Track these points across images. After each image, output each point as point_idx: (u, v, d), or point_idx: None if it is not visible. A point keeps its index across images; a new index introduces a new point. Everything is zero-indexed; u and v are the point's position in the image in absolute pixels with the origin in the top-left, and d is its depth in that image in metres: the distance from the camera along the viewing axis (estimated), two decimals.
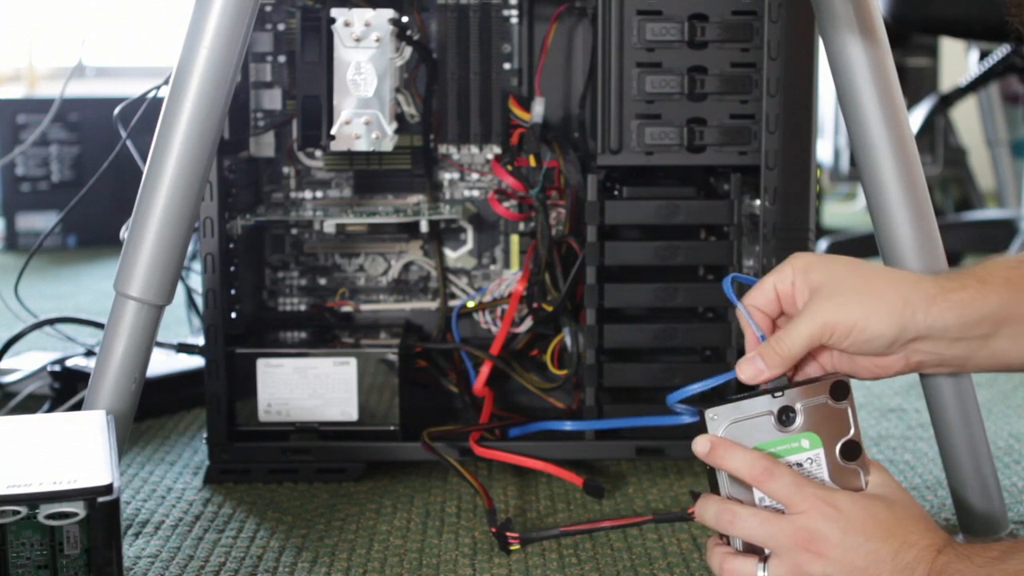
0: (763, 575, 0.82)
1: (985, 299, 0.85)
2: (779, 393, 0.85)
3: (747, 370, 0.87)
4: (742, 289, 0.90)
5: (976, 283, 0.86)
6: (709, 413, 0.84)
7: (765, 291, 0.89)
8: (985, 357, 0.88)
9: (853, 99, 1.01)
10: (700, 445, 0.84)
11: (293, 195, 1.37)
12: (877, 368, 0.89)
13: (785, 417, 0.85)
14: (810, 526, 0.81)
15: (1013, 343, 0.87)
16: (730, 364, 1.24)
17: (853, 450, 0.85)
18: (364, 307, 1.39)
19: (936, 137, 3.06)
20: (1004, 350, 0.87)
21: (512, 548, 1.06)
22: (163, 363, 1.50)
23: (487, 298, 1.36)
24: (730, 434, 0.84)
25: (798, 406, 0.85)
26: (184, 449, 1.35)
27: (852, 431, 0.86)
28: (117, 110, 1.33)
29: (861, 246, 2.43)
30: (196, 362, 1.48)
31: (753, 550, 0.84)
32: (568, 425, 1.26)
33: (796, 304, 0.88)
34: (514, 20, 1.34)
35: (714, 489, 0.86)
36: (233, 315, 1.28)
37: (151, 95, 1.33)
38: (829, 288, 0.86)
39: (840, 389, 0.86)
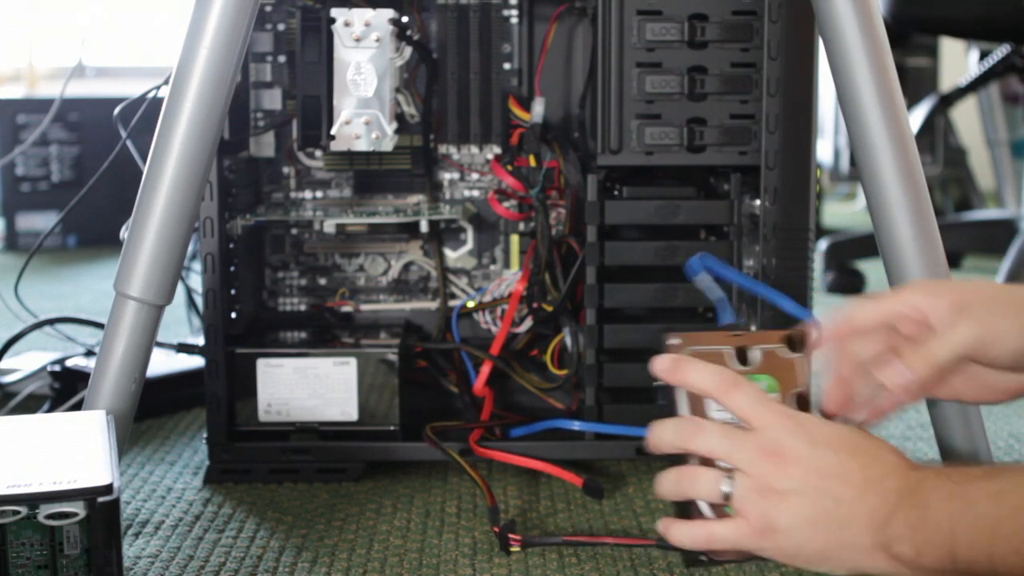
0: (728, 488, 0.79)
1: None
2: (738, 332, 0.85)
3: (892, 377, 0.82)
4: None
5: None
6: (672, 338, 0.84)
7: (880, 309, 0.85)
8: None
9: (853, 99, 1.01)
10: (662, 361, 0.82)
11: (293, 195, 1.37)
12: (1017, 384, 0.85)
13: (743, 357, 0.85)
14: (775, 437, 0.78)
15: None
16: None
17: (803, 404, 0.86)
18: (364, 307, 1.39)
19: (936, 137, 3.06)
20: None
21: (512, 550, 1.06)
22: (163, 363, 1.50)
23: (487, 298, 1.36)
24: None
25: (755, 347, 0.85)
26: (184, 449, 1.35)
27: (805, 385, 0.85)
28: (117, 110, 1.33)
29: (861, 246, 2.43)
30: (196, 362, 1.48)
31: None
32: (576, 425, 1.25)
33: (917, 329, 0.83)
34: (514, 20, 1.34)
35: (668, 412, 0.84)
36: (233, 315, 1.28)
37: (151, 95, 1.33)
38: (980, 302, 0.82)
39: (794, 341, 0.86)
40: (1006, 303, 0.82)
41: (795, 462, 0.77)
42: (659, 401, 0.85)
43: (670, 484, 0.82)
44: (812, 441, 0.78)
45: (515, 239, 1.37)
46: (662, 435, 0.82)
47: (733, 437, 0.80)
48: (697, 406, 0.83)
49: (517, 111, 1.31)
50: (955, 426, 1.04)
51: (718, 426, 0.81)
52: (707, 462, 0.81)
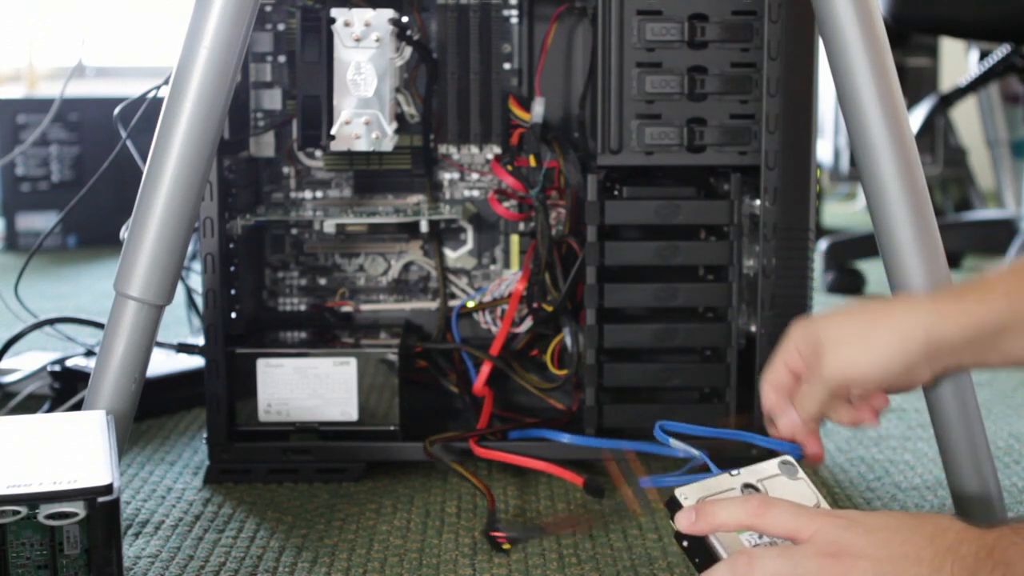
0: None
1: (984, 308, 0.86)
2: (735, 472, 0.85)
3: (785, 424, 0.93)
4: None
5: (974, 291, 0.88)
6: (679, 492, 0.83)
7: (778, 370, 0.94)
8: (997, 358, 0.89)
9: (853, 99, 1.01)
10: (684, 517, 0.80)
11: (293, 195, 1.37)
12: (903, 388, 0.93)
13: (750, 492, 0.85)
14: (831, 538, 0.75)
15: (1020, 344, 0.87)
16: (729, 364, 1.24)
17: None
18: (364, 307, 1.39)
19: (936, 137, 3.06)
20: (1016, 349, 0.87)
21: (504, 547, 1.06)
22: (163, 363, 1.50)
23: (487, 298, 1.36)
24: None
25: (758, 483, 0.85)
26: (184, 449, 1.35)
27: (817, 500, 0.85)
28: (117, 110, 1.33)
29: (861, 246, 2.43)
30: (196, 362, 1.48)
31: None
32: (565, 438, 1.24)
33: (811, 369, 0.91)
34: (514, 20, 1.34)
35: (706, 563, 0.80)
36: (233, 315, 1.28)
37: (151, 95, 1.33)
38: (830, 342, 0.89)
39: (788, 467, 0.87)
40: (862, 337, 0.89)
41: (860, 555, 0.74)
42: (694, 560, 0.81)
43: (725, 574, 0.78)
44: (869, 530, 0.75)
45: (515, 239, 1.37)
46: None
47: (790, 554, 0.76)
48: (733, 547, 0.80)
49: (517, 111, 1.31)
50: (955, 426, 1.03)
51: (769, 550, 0.77)
52: None
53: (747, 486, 0.85)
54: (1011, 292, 0.86)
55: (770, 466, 0.87)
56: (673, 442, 0.93)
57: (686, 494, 0.83)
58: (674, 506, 0.83)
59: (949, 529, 0.75)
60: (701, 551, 0.81)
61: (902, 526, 0.76)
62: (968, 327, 0.86)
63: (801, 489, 0.86)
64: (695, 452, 0.92)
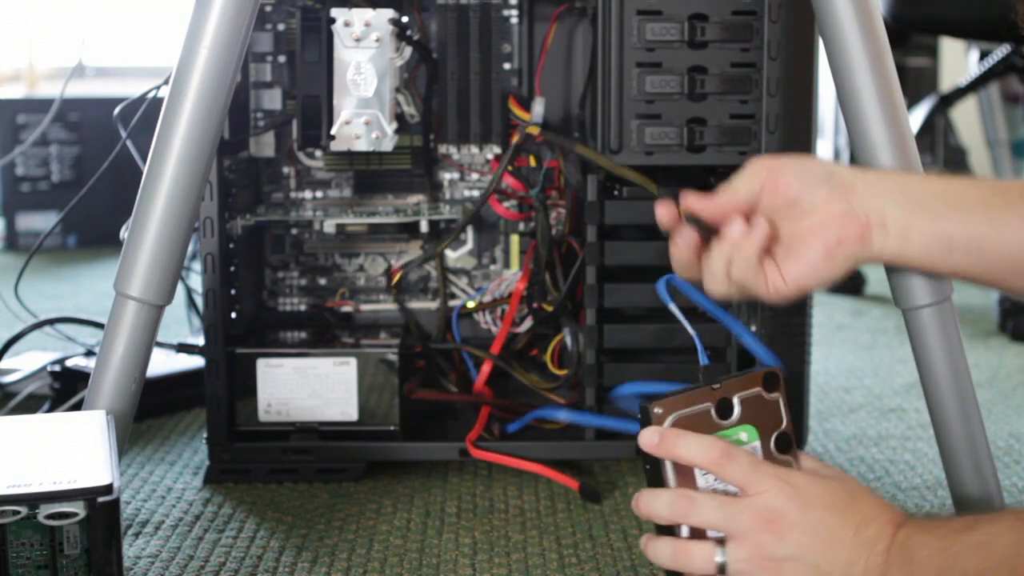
0: (722, 559, 0.80)
1: (960, 228, 0.85)
2: (717, 384, 0.85)
3: (768, 290, 0.87)
4: (678, 292, 0.92)
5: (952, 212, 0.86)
6: (654, 407, 0.84)
7: (735, 199, 0.88)
8: (945, 268, 0.87)
9: (853, 99, 1.01)
10: (648, 436, 0.83)
11: (293, 195, 1.37)
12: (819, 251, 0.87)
13: (723, 410, 0.85)
14: (771, 505, 0.79)
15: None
16: (729, 364, 1.24)
17: (786, 441, 0.86)
18: (364, 307, 1.39)
19: (936, 137, 3.06)
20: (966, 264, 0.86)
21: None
22: (163, 363, 1.50)
23: (487, 298, 1.36)
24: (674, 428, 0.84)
25: (735, 398, 0.85)
26: (184, 449, 1.35)
27: (784, 423, 0.87)
28: (117, 110, 1.33)
29: None
30: (196, 362, 1.48)
31: (699, 537, 0.82)
32: (562, 414, 1.24)
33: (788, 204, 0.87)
34: (514, 20, 1.34)
35: (655, 483, 0.84)
36: (233, 315, 1.28)
37: (151, 95, 1.33)
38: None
39: (771, 380, 0.87)
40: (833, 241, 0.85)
41: (791, 528, 0.79)
42: (646, 472, 0.85)
43: (665, 557, 0.83)
44: (807, 505, 0.79)
45: (515, 239, 1.37)
46: (655, 507, 0.83)
47: (729, 507, 0.81)
48: (684, 471, 0.84)
49: (517, 111, 1.31)
50: (955, 426, 1.04)
51: (712, 497, 0.81)
52: (698, 529, 0.82)
53: (723, 402, 0.85)
54: (990, 207, 0.85)
55: (754, 379, 0.86)
56: (673, 308, 0.91)
57: (660, 407, 0.84)
58: (645, 417, 0.84)
59: (874, 521, 0.78)
60: (655, 470, 0.84)
61: (837, 508, 0.79)
62: (934, 245, 0.85)
63: (772, 408, 0.86)
64: (693, 329, 0.90)
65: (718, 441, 0.82)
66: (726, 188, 0.89)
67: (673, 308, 0.90)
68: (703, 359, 0.89)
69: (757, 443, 0.86)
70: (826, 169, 0.88)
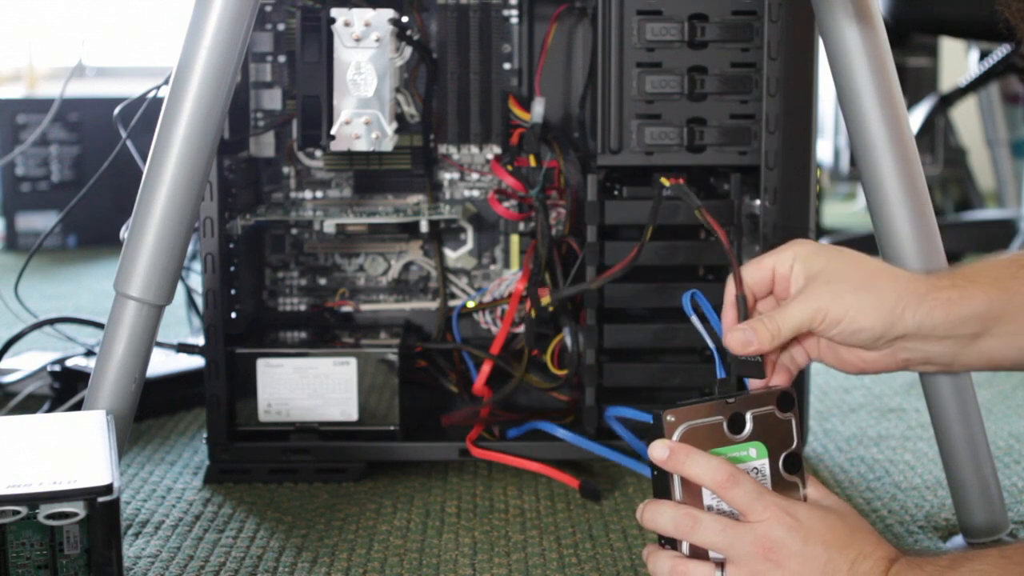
0: None
1: (973, 298, 0.87)
2: (731, 399, 0.85)
3: (738, 337, 0.87)
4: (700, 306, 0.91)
5: (965, 282, 0.87)
6: (667, 416, 0.84)
7: (762, 269, 0.90)
8: (974, 356, 0.89)
9: (853, 99, 1.01)
10: (658, 450, 0.83)
11: (293, 195, 1.37)
12: (862, 363, 0.90)
13: (736, 424, 0.85)
14: (771, 535, 0.81)
15: (1002, 342, 0.88)
16: (728, 365, 1.24)
17: (795, 463, 0.87)
18: (364, 307, 1.39)
19: (936, 137, 3.06)
20: (993, 348, 0.88)
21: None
22: (163, 363, 1.50)
23: (487, 298, 1.36)
24: (684, 439, 0.84)
25: (748, 414, 0.85)
26: (184, 449, 1.35)
27: (795, 443, 0.87)
28: (117, 110, 1.33)
29: (861, 246, 2.42)
30: (196, 362, 1.48)
31: (699, 556, 0.83)
32: (560, 432, 1.24)
33: (789, 289, 0.89)
34: (514, 20, 1.34)
35: (663, 494, 0.85)
36: (233, 315, 1.28)
37: (151, 95, 1.33)
38: (827, 276, 0.87)
39: (786, 400, 0.87)
40: (862, 284, 0.87)
41: (790, 558, 0.80)
42: (654, 481, 0.85)
43: (664, 573, 0.84)
44: (806, 538, 0.81)
45: (515, 239, 1.37)
46: (659, 521, 0.84)
47: (731, 531, 0.81)
48: (691, 486, 0.84)
49: (517, 111, 1.31)
50: (955, 426, 1.04)
51: (716, 519, 0.82)
52: (699, 548, 0.83)
53: (736, 417, 0.85)
54: (992, 288, 0.86)
55: (768, 397, 0.86)
56: (695, 320, 0.90)
57: (673, 415, 0.84)
58: (657, 426, 0.84)
59: (870, 556, 0.81)
60: (662, 482, 0.84)
61: (835, 542, 0.81)
62: (953, 314, 0.86)
63: (785, 429, 0.86)
64: (712, 343, 0.90)
65: (726, 464, 0.82)
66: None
67: (696, 322, 0.89)
68: (720, 372, 0.89)
69: (765, 461, 0.86)
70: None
